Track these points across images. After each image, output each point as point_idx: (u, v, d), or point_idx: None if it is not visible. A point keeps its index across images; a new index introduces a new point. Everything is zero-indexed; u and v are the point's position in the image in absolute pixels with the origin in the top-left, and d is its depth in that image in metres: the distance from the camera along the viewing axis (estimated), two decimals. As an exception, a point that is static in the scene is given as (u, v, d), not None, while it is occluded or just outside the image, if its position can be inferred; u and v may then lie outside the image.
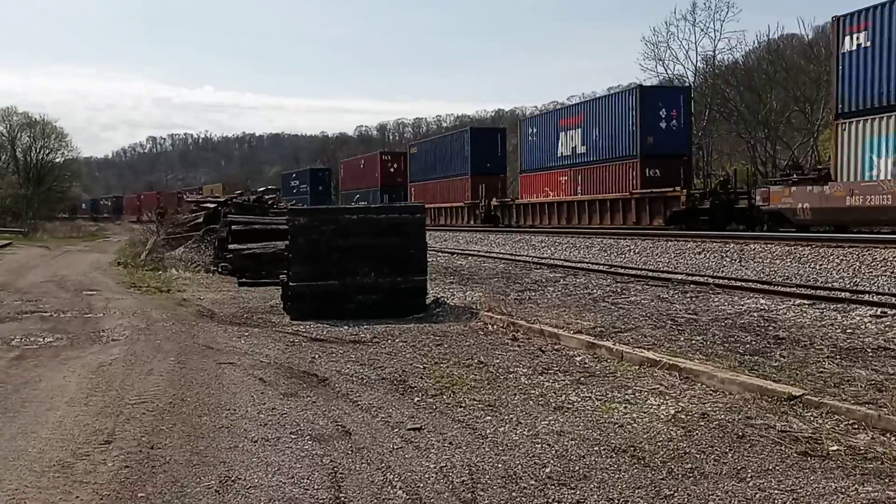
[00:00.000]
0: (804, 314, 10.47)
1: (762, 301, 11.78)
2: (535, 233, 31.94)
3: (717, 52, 49.57)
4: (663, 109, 30.69)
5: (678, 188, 28.32)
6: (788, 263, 17.42)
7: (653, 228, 28.34)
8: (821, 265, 16.66)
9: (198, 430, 5.68)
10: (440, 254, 25.49)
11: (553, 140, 36.70)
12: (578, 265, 19.37)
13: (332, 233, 11.31)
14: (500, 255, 24.53)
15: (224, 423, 5.85)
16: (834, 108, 22.18)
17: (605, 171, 32.74)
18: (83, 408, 6.42)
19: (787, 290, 12.86)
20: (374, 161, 58.97)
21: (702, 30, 58.25)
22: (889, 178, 19.62)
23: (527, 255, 24.37)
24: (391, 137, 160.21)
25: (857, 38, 20.69)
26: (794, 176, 24.33)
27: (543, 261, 21.56)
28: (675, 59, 55.15)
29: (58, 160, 79.05)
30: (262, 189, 27.80)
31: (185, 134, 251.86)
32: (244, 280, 16.68)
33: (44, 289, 16.71)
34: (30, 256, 29.76)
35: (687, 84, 43.51)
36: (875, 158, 20.24)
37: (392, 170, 56.19)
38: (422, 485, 4.51)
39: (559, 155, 36.12)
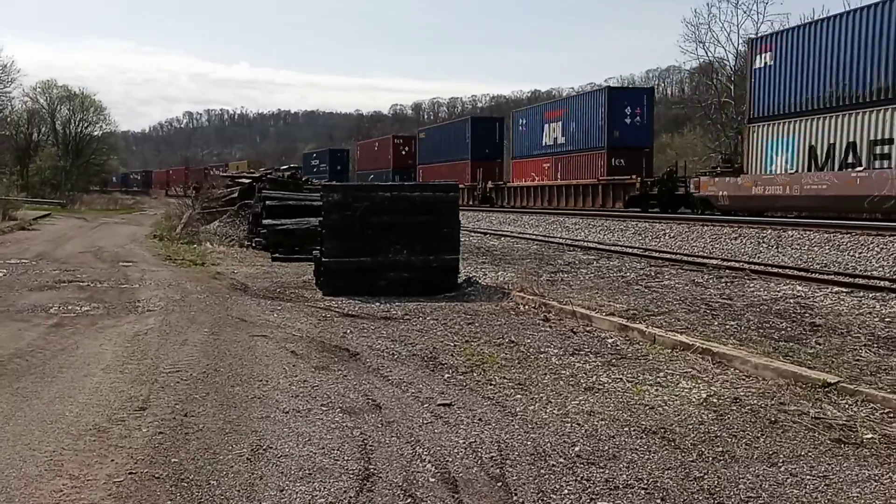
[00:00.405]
0: (841, 302, 10.32)
1: (799, 288, 11.63)
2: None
3: (758, 34, 48.76)
4: (628, 108, 35.30)
5: (634, 176, 32.56)
6: (827, 251, 17.16)
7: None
8: (860, 253, 16.39)
9: (230, 400, 5.75)
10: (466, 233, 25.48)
11: (539, 131, 41.13)
12: (612, 248, 19.26)
13: (365, 210, 11.34)
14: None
15: (256, 394, 5.92)
16: (747, 114, 26.45)
17: (579, 160, 37.02)
18: (119, 375, 6.52)
19: (825, 277, 12.68)
20: (386, 144, 61.55)
21: (744, 12, 57.48)
22: (782, 172, 24.17)
23: (559, 237, 24.27)
24: (426, 116, 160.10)
25: (765, 58, 25.18)
26: (718, 168, 29.02)
27: (577, 243, 21.46)
28: (716, 41, 54.49)
29: (96, 133, 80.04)
30: (284, 167, 28.01)
31: (220, 110, 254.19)
32: (277, 255, 16.81)
33: (81, 259, 16.97)
34: (68, 227, 30.23)
35: (724, 63, 43.64)
36: (774, 156, 24.87)
37: (403, 152, 58.70)
38: (451, 459, 4.53)
39: (543, 144, 40.50)
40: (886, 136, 20.66)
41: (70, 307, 10.14)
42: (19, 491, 4.04)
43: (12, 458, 4.52)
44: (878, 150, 20.93)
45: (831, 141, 22.54)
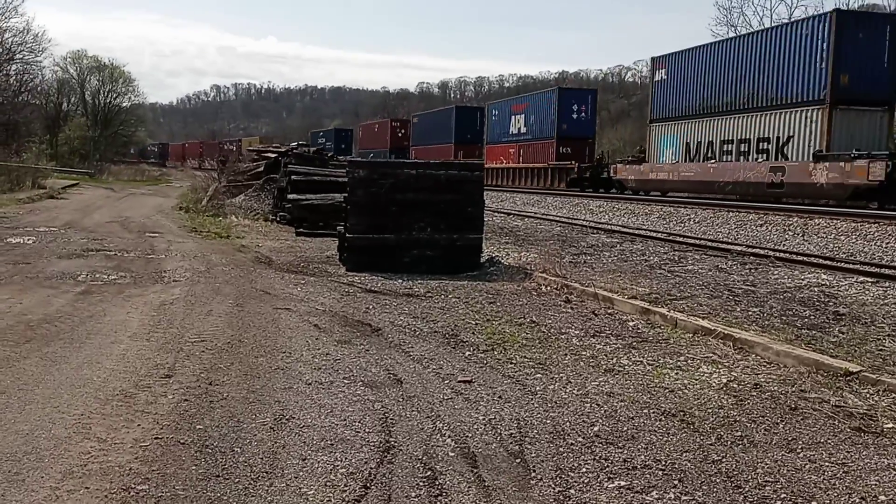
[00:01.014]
0: (867, 291, 10.24)
1: (823, 276, 11.54)
2: (591, 197, 32.31)
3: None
4: (575, 105, 42.52)
5: (573, 162, 39.82)
6: (854, 240, 16.99)
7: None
8: (887, 243, 16.21)
9: (254, 370, 5.84)
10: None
11: (507, 121, 48.16)
12: (636, 231, 19.18)
13: (390, 187, 11.37)
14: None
15: (279, 365, 6.00)
16: (648, 116, 34.27)
17: (535, 147, 43.99)
18: (145, 343, 6.63)
19: (851, 266, 12.56)
20: (385, 126, 67.74)
21: (777, -5, 56.48)
22: (668, 161, 31.72)
23: (584, 220, 24.20)
24: (452, 95, 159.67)
25: (661, 73, 32.80)
26: (629, 157, 36.92)
27: (601, 226, 21.39)
28: (749, 25, 53.82)
29: (124, 104, 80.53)
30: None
31: (248, 84, 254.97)
32: (302, 230, 16.91)
33: (108, 229, 17.18)
34: (95, 197, 30.55)
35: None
36: (664, 150, 32.25)
37: (399, 135, 64.43)
38: (470, 435, 4.58)
39: (510, 132, 47.46)
40: (730, 137, 28.28)
41: (97, 275, 10.29)
42: (48, 452, 4.14)
43: (42, 420, 4.63)
44: (725, 147, 28.59)
45: (699, 140, 30.00)
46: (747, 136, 27.25)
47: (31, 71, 54.17)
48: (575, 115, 42.06)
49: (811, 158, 23.87)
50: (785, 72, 25.39)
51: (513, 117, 47.39)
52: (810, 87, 24.42)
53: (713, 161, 28.90)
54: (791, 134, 25.08)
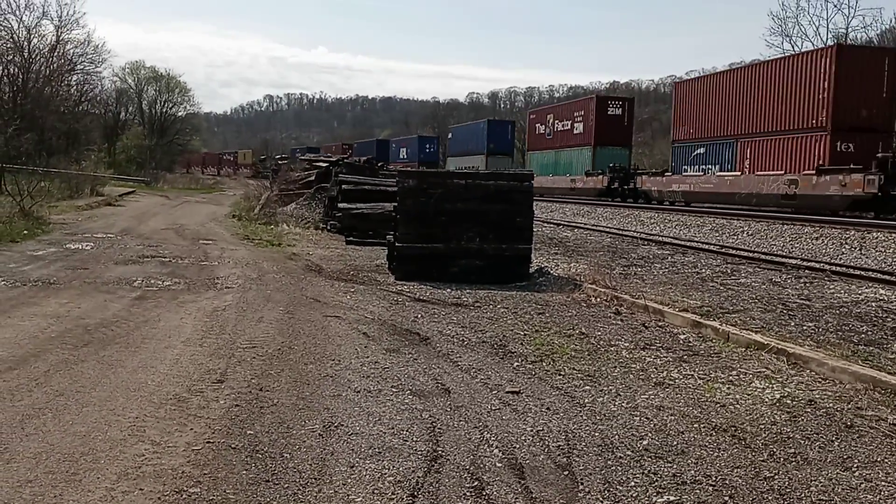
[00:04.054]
0: (926, 308, 9.97)
1: (882, 291, 11.27)
2: (643, 209, 32.04)
3: (849, 29, 47.40)
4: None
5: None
6: (913, 255, 16.56)
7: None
8: (948, 259, 15.77)
9: (304, 377, 5.90)
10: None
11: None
12: (688, 244, 18.95)
13: (439, 196, 11.41)
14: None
15: (329, 373, 6.05)
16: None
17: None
18: (198, 348, 6.75)
19: (910, 281, 12.25)
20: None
21: (834, 5, 55.76)
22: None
23: (634, 231, 23.98)
24: (502, 106, 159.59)
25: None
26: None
27: (651, 237, 21.18)
28: (804, 35, 53.11)
29: (180, 114, 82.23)
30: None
31: (300, 94, 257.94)
32: (351, 238, 17.05)
33: (163, 236, 17.52)
34: (151, 204, 31.19)
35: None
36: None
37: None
38: (518, 446, 4.57)
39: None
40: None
41: (153, 281, 10.50)
42: (104, 453, 4.24)
43: (98, 422, 4.74)
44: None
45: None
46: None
47: (91, 81, 55.79)
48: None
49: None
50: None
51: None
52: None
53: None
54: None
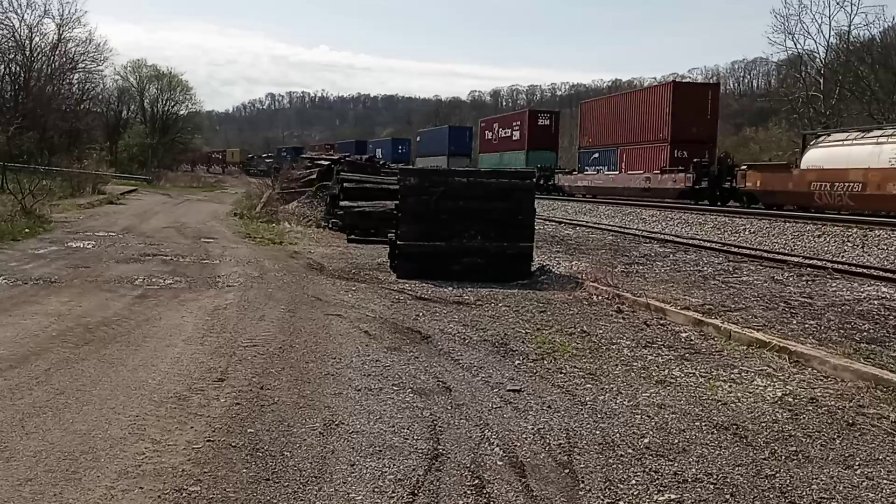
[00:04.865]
0: (929, 306, 9.95)
1: (884, 289, 11.26)
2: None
3: (852, 27, 47.24)
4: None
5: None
6: (915, 253, 16.53)
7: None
8: (951, 256, 15.74)
9: (305, 376, 5.90)
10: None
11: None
12: (690, 241, 18.93)
13: (441, 195, 11.39)
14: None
15: (330, 371, 6.05)
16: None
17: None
18: (199, 346, 6.74)
19: (912, 279, 12.23)
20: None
21: (837, 3, 55.54)
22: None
23: (636, 229, 23.96)
24: (504, 104, 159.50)
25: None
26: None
27: (653, 235, 21.16)
28: (807, 33, 53.09)
29: (182, 112, 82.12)
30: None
31: (302, 92, 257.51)
32: (353, 237, 17.04)
33: (165, 234, 17.52)
34: (153, 203, 31.21)
35: (814, 56, 46.46)
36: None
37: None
38: (519, 444, 4.56)
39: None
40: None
41: (154, 280, 10.50)
42: (104, 452, 4.23)
43: (98, 420, 4.73)
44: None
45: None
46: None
47: (92, 80, 55.75)
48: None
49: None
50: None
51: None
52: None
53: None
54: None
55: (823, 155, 24.65)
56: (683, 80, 49.33)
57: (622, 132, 39.88)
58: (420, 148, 72.03)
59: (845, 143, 24.18)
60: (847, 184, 22.71)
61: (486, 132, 59.56)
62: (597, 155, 42.93)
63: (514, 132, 53.51)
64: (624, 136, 39.67)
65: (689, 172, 32.41)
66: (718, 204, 30.45)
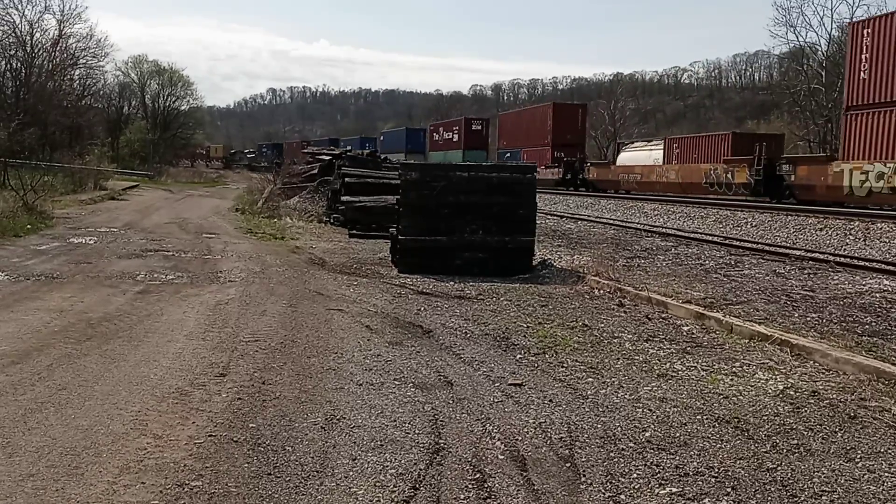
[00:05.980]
0: (931, 298, 9.94)
1: (886, 282, 11.25)
2: (642, 200, 31.98)
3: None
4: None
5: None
6: (917, 245, 16.51)
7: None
8: (953, 249, 15.72)
9: (306, 370, 5.90)
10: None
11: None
12: (692, 235, 18.92)
13: (442, 189, 11.39)
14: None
15: (331, 366, 6.05)
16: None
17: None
18: (200, 342, 6.75)
19: (914, 272, 12.22)
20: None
21: (838, -5, 55.20)
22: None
23: (637, 222, 23.95)
24: (505, 98, 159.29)
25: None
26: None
27: (655, 229, 21.15)
28: (808, 25, 53.11)
29: (183, 108, 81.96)
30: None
31: (303, 87, 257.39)
32: (355, 232, 17.04)
33: (167, 229, 17.53)
34: (154, 198, 31.22)
35: (816, 48, 45.48)
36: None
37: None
38: (520, 438, 4.56)
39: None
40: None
41: (155, 275, 10.51)
42: (106, 447, 4.24)
43: (100, 416, 4.74)
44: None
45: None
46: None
47: (93, 75, 55.61)
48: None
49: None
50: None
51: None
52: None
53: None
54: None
55: (627, 157, 42.61)
56: (561, 102, 63.93)
57: (523, 138, 52.25)
58: (383, 146, 78.22)
59: (636, 149, 42.95)
60: (634, 175, 39.27)
61: (434, 134, 70.57)
62: (508, 154, 53.80)
63: (454, 135, 64.14)
64: (524, 141, 51.98)
65: (560, 168, 45.48)
66: (582, 190, 43.31)
